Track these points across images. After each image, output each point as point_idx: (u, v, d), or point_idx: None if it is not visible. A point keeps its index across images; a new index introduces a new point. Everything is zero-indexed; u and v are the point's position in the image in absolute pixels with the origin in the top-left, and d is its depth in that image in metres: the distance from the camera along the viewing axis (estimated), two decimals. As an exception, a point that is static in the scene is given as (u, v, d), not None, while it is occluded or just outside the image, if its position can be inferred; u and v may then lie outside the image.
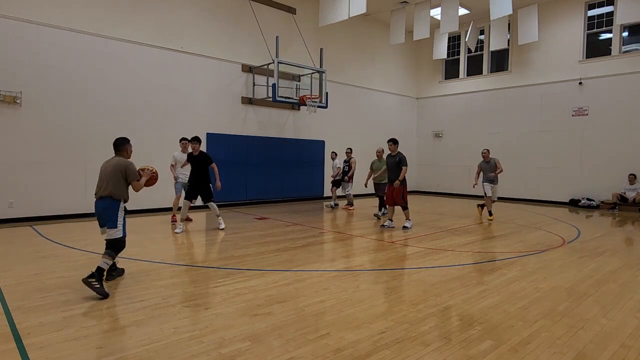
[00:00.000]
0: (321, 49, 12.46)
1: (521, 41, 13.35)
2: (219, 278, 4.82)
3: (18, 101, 8.40)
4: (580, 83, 13.16)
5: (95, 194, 4.50)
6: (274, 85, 10.98)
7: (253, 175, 12.15)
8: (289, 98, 11.82)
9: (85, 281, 4.13)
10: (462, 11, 13.98)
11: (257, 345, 3.09)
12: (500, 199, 14.67)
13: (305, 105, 11.80)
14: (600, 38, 13.09)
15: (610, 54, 12.73)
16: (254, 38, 12.02)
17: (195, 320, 3.56)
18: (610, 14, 12.64)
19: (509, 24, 14.17)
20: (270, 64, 11.51)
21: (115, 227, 4.41)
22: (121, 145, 4.66)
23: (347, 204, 11.64)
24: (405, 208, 8.43)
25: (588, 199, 12.77)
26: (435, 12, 13.58)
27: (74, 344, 3.08)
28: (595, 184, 12.89)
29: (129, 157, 4.70)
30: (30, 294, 4.16)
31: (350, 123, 15.08)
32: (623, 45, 12.62)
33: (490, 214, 10.03)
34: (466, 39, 14.34)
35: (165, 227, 8.25)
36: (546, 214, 10.96)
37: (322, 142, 14.18)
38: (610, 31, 12.78)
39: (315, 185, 14.03)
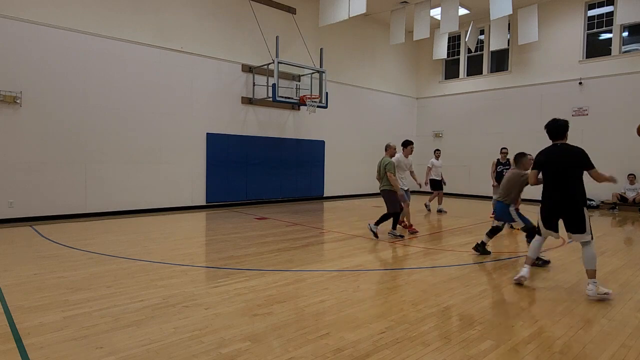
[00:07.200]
0: (321, 49, 12.45)
1: (521, 41, 13.33)
2: (219, 278, 4.82)
3: (18, 101, 8.40)
4: (580, 83, 13.15)
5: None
6: (274, 85, 10.97)
7: (253, 175, 12.15)
8: (289, 98, 11.82)
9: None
10: (462, 11, 13.97)
11: (257, 345, 3.09)
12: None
13: (305, 105, 11.80)
14: (600, 38, 13.08)
15: (610, 54, 12.72)
16: (254, 38, 12.01)
17: (195, 320, 3.56)
18: (610, 14, 12.64)
19: (509, 24, 14.16)
20: (270, 64, 11.50)
21: (512, 221, 5.94)
22: (520, 158, 5.93)
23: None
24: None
25: (588, 199, 12.75)
26: (435, 12, 13.57)
27: (74, 344, 3.08)
28: (595, 184, 12.82)
29: (527, 169, 5.60)
30: (30, 294, 4.16)
31: (350, 123, 15.07)
32: (623, 45, 12.61)
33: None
34: (466, 39, 14.33)
35: (165, 227, 8.25)
36: (546, 214, 10.94)
37: (322, 142, 14.17)
38: (610, 31, 12.77)
39: (315, 185, 14.02)
